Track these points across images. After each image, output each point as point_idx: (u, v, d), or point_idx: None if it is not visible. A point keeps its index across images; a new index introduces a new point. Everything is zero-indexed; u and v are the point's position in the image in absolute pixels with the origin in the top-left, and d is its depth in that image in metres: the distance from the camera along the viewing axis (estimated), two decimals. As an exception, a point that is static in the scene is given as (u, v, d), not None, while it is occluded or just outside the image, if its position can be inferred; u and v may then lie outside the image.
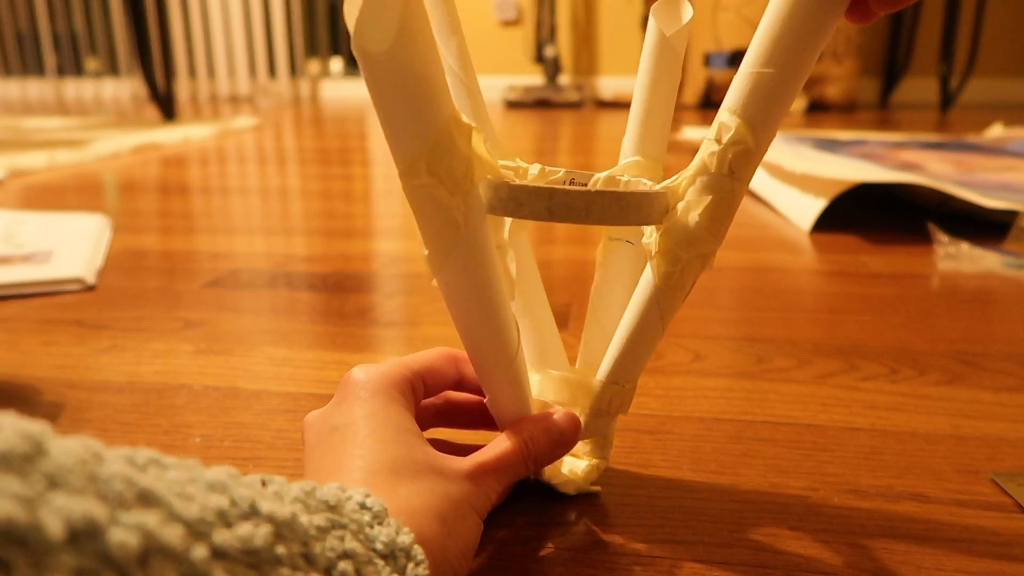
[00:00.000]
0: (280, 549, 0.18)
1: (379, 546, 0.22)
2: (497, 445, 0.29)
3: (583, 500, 0.34)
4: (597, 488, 0.35)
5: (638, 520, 0.33)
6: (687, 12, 0.31)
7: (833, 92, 2.60)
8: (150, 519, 0.14)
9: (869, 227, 0.89)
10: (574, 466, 0.35)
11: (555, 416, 0.31)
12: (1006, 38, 2.89)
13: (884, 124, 2.15)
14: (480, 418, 0.34)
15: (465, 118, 0.26)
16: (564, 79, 3.17)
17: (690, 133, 1.50)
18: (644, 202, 0.28)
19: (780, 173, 1.03)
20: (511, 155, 0.34)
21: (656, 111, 0.33)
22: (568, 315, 0.59)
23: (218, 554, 0.16)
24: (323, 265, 0.74)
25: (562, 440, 0.31)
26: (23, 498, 0.13)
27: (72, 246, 0.74)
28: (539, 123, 2.24)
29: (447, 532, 0.25)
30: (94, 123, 2.10)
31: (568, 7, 3.16)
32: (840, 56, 2.56)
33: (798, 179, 0.97)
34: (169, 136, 1.72)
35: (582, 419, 0.32)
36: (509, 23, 3.23)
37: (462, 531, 0.26)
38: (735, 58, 2.55)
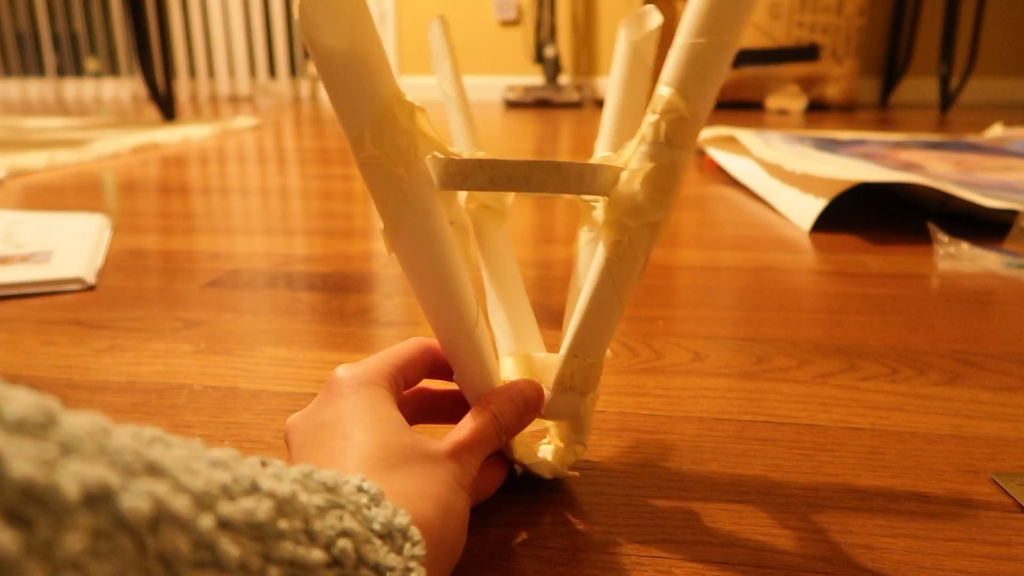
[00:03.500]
0: (283, 524, 0.18)
1: (377, 526, 0.22)
2: (469, 421, 0.30)
3: (583, 500, 0.34)
4: (575, 473, 0.36)
5: (638, 520, 0.33)
6: (654, 20, 0.33)
7: (833, 92, 2.60)
8: (159, 488, 0.15)
9: (869, 227, 0.89)
10: (551, 451, 0.36)
11: (518, 385, 0.32)
12: (1006, 38, 2.89)
13: (884, 124, 2.15)
14: (457, 409, 0.34)
15: (409, 98, 0.28)
16: (564, 79, 3.17)
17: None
18: (585, 172, 0.29)
19: (780, 173, 1.03)
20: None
21: (628, 112, 0.35)
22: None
23: (224, 524, 0.16)
24: (323, 265, 0.74)
25: (527, 407, 0.32)
26: (41, 460, 0.13)
27: (72, 246, 0.74)
28: (539, 123, 2.24)
29: (444, 510, 0.26)
30: (94, 123, 2.10)
31: (568, 7, 3.16)
32: (840, 56, 2.56)
33: (798, 179, 0.97)
34: (169, 136, 1.72)
35: (548, 395, 0.33)
36: (509, 23, 3.22)
37: (456, 508, 0.27)
38: (735, 58, 2.54)
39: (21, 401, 0.14)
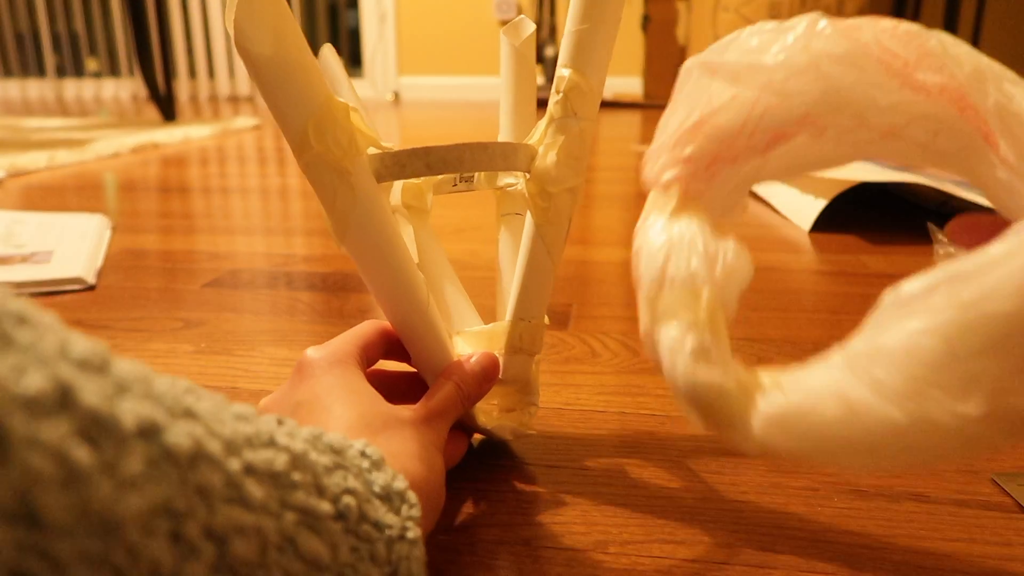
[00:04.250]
0: (296, 476, 0.20)
1: (377, 488, 0.24)
2: (436, 391, 0.32)
3: (583, 500, 0.34)
4: (533, 431, 0.39)
5: (638, 520, 0.33)
6: (528, 28, 0.39)
7: (833, 92, 2.60)
8: (196, 430, 0.17)
9: (869, 227, 0.89)
10: (508, 416, 0.38)
11: (474, 357, 0.34)
12: (1006, 38, 2.89)
13: (884, 124, 2.14)
14: (413, 388, 0.36)
15: (340, 99, 0.30)
16: (564, 79, 3.17)
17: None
18: (508, 151, 0.33)
19: (780, 173, 1.03)
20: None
21: (522, 104, 0.39)
22: (569, 315, 0.59)
23: (248, 469, 0.18)
24: (323, 265, 0.74)
25: (485, 375, 0.34)
26: (103, 394, 0.15)
27: (72, 246, 0.74)
28: (539, 123, 2.24)
29: (427, 467, 0.28)
30: (94, 123, 2.10)
31: (568, 7, 3.16)
32: (840, 56, 2.56)
33: (798, 179, 0.97)
34: (169, 136, 1.72)
35: (500, 359, 0.36)
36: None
37: (436, 465, 0.29)
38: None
39: (83, 343, 0.16)
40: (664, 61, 2.86)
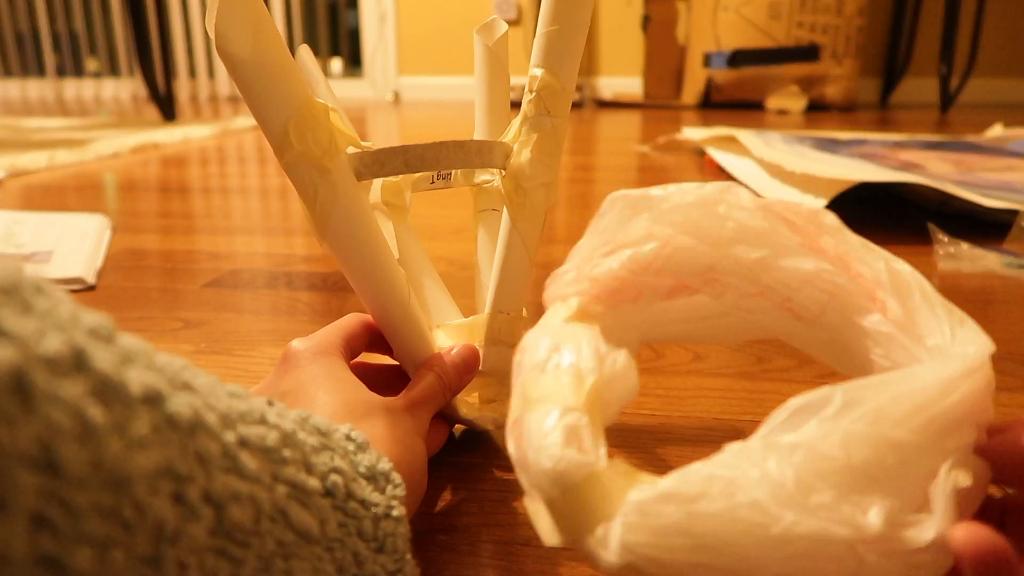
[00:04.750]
0: (286, 452, 0.21)
1: (362, 469, 0.25)
2: (418, 381, 0.33)
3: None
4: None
5: (638, 520, 0.33)
6: (501, 28, 0.40)
7: (833, 92, 2.60)
8: (195, 401, 0.18)
9: (869, 227, 0.89)
10: (490, 407, 0.39)
11: (455, 349, 0.35)
12: (1006, 38, 2.89)
13: (884, 124, 2.15)
14: (394, 381, 0.36)
15: (319, 100, 0.31)
16: (564, 79, 3.16)
17: (689, 133, 1.51)
18: (484, 148, 0.34)
19: (780, 173, 1.03)
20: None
21: (496, 104, 0.40)
22: (568, 315, 0.59)
23: (242, 442, 0.19)
24: (323, 265, 0.74)
25: (465, 366, 0.35)
26: (112, 361, 0.16)
27: (72, 246, 0.74)
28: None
29: (409, 452, 0.29)
30: (94, 123, 2.10)
31: (568, 7, 3.16)
32: (840, 56, 2.56)
33: (798, 179, 0.97)
34: (169, 136, 1.72)
35: (480, 351, 0.36)
36: (509, 23, 3.23)
37: (418, 451, 0.30)
38: (735, 58, 2.55)
39: (92, 314, 0.17)
40: (664, 61, 2.87)
